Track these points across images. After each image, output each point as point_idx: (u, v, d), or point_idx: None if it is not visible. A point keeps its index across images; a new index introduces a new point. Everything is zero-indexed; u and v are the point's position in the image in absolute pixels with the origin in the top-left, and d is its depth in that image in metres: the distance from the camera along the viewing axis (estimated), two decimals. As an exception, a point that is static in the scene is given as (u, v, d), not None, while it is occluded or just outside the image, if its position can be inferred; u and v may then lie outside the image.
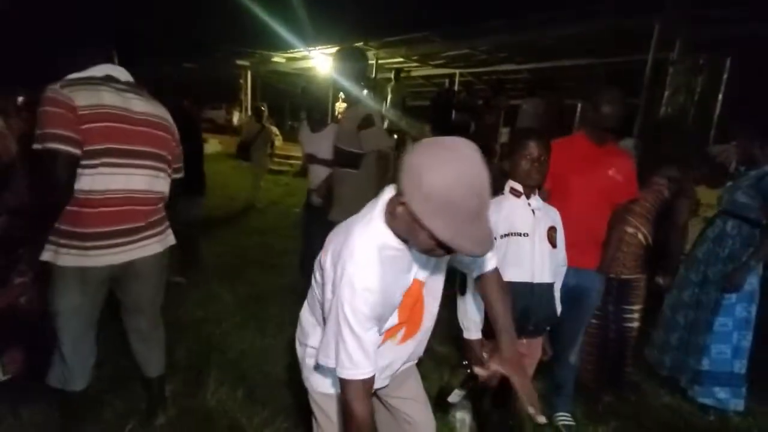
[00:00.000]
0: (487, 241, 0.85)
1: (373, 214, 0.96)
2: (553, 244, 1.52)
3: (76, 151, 1.41)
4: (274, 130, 12.67)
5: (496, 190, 1.58)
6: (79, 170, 1.44)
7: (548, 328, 1.65)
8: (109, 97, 1.49)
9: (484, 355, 1.49)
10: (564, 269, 1.64)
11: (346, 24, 9.11)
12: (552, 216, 1.56)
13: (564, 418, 2.10)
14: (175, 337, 2.30)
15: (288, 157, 10.53)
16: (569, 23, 5.89)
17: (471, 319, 1.49)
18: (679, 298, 2.54)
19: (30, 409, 1.84)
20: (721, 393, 2.31)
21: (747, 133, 2.37)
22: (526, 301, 1.49)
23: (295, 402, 2.04)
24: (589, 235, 1.90)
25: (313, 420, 1.20)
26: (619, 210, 1.96)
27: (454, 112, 7.77)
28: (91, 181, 1.46)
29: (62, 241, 1.47)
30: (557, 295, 1.61)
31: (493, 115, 7.50)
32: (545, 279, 1.51)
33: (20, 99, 2.34)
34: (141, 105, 1.59)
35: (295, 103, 14.41)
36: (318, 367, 1.09)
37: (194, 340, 2.52)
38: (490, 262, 1.16)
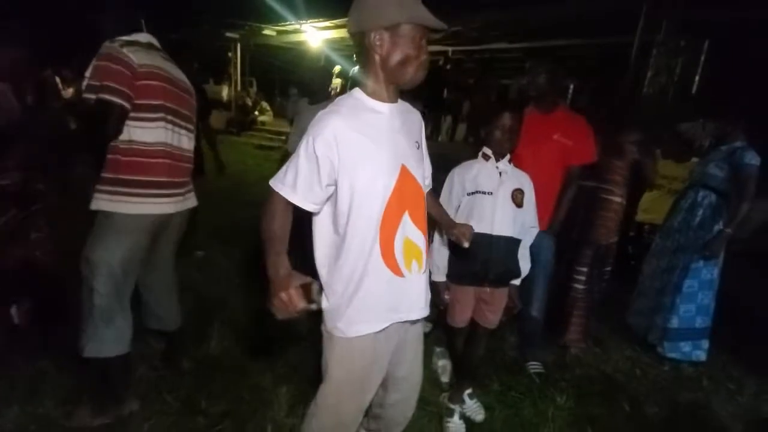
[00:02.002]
0: (439, 20, 1.08)
1: (350, 91, 1.16)
2: (518, 204, 1.67)
3: (127, 105, 1.54)
4: (265, 105, 12.64)
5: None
6: (142, 123, 1.59)
7: (516, 282, 1.80)
8: (159, 61, 1.65)
9: (446, 296, 1.72)
10: (534, 231, 1.81)
11: (338, -3, 8.98)
12: (520, 179, 1.71)
13: (534, 367, 2.34)
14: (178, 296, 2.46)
15: (279, 133, 10.53)
16: (561, 2, 5.96)
17: (436, 264, 1.72)
18: (658, 266, 2.75)
19: (45, 357, 1.97)
20: (686, 347, 2.58)
21: (720, 113, 2.57)
22: (485, 252, 1.65)
23: (292, 351, 2.24)
24: (540, 200, 2.04)
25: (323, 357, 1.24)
26: (574, 171, 2.14)
27: (446, 90, 7.84)
28: (152, 133, 1.61)
29: (123, 190, 1.57)
30: (525, 252, 1.78)
31: (484, 95, 7.60)
32: (505, 233, 1.65)
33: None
34: (176, 71, 1.76)
35: (285, 79, 14.24)
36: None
37: (196, 299, 2.68)
38: (429, 182, 1.38)
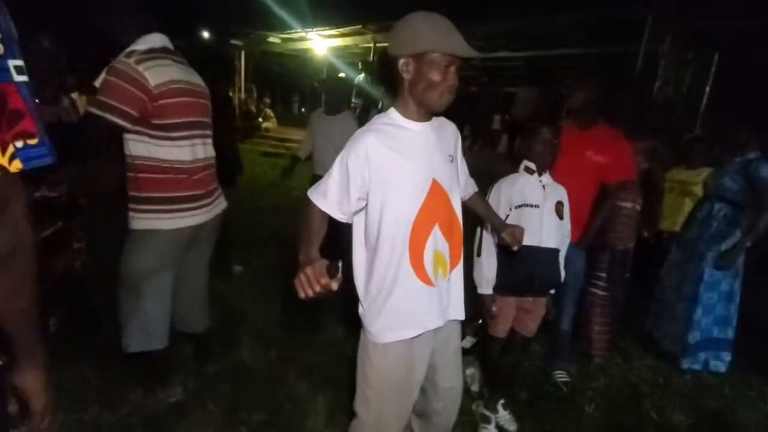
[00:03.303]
0: (470, 48, 1.12)
1: (386, 111, 1.22)
2: (560, 216, 1.75)
3: (123, 123, 1.47)
4: (269, 112, 12.68)
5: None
6: (175, 142, 1.60)
7: (552, 291, 1.87)
8: (176, 72, 1.60)
9: (493, 308, 1.75)
10: (568, 240, 1.87)
11: (345, 6, 9.08)
12: (560, 192, 1.78)
13: (561, 376, 2.37)
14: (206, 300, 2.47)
15: (283, 140, 10.57)
16: (563, 12, 6.06)
17: (484, 277, 1.74)
18: (677, 278, 2.78)
19: (86, 364, 2.00)
20: (704, 356, 2.61)
21: (729, 126, 2.63)
22: (533, 263, 1.70)
23: (325, 360, 2.26)
24: (571, 213, 2.10)
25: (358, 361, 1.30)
26: (611, 188, 2.18)
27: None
28: (180, 151, 1.62)
29: (159, 208, 1.61)
30: (562, 261, 1.83)
31: (487, 103, 7.69)
32: (550, 244, 1.73)
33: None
34: (193, 77, 1.72)
35: (288, 86, 14.30)
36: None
37: (222, 309, 2.69)
38: (472, 187, 1.48)
